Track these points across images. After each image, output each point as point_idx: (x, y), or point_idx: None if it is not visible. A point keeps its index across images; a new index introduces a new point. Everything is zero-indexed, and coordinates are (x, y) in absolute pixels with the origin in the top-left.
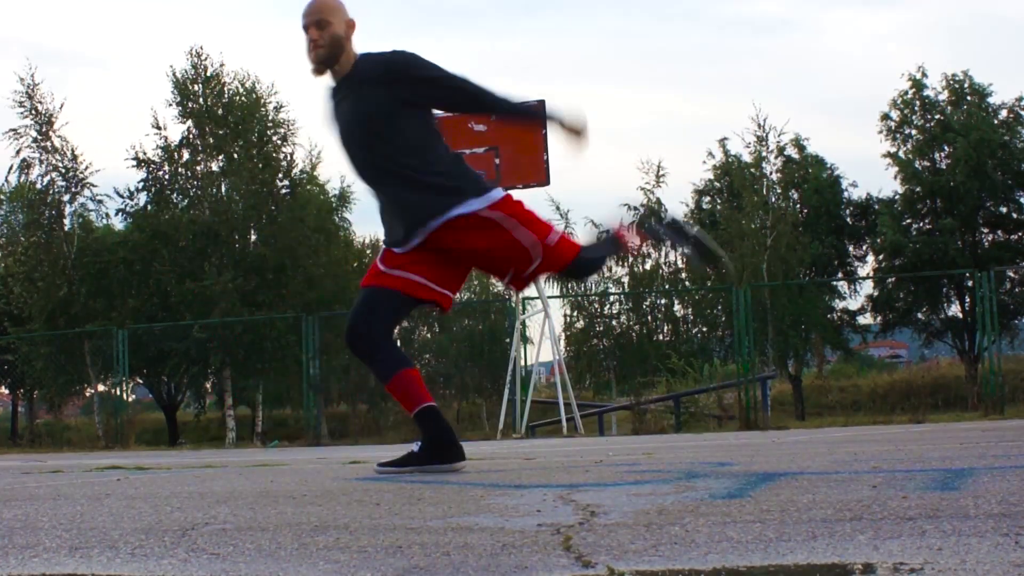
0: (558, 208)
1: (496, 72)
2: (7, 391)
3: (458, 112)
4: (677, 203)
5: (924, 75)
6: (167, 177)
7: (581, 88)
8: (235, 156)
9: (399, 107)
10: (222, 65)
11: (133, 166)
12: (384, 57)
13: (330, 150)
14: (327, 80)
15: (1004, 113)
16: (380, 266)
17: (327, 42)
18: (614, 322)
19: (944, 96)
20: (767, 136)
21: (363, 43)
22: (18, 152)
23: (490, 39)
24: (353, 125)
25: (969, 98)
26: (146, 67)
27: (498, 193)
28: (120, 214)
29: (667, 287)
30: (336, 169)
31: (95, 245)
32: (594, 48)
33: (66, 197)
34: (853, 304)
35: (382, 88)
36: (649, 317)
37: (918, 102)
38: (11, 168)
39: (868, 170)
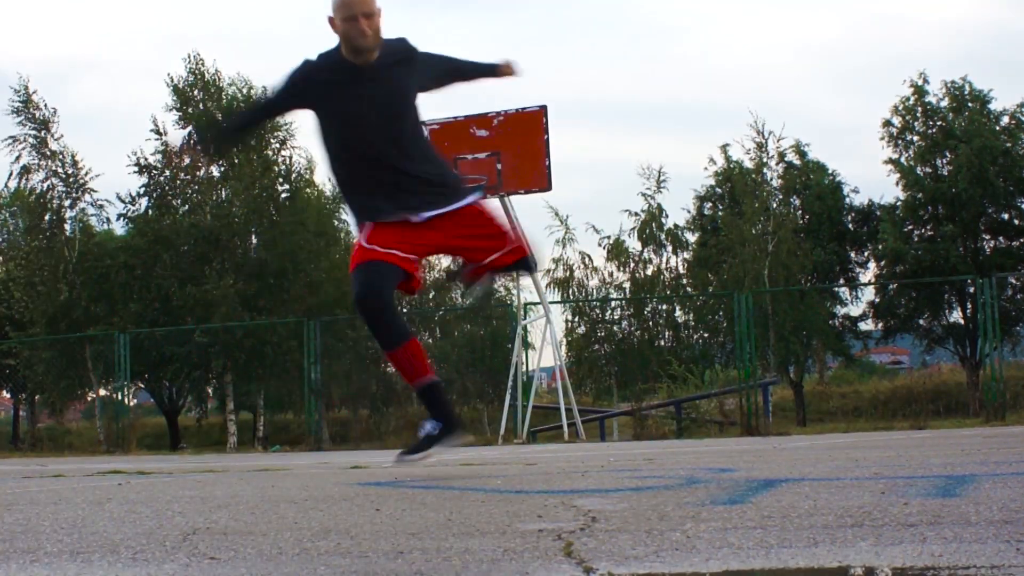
0: (557, 214)
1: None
2: (9, 395)
3: (443, 86)
4: (678, 208)
5: (925, 81)
6: (168, 182)
7: (576, 80)
8: (235, 160)
9: (416, 91)
10: (217, 72)
11: (134, 171)
12: (402, 43)
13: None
14: (334, 65)
15: (1006, 120)
16: (370, 245)
17: (375, 32)
18: (615, 328)
19: (945, 103)
20: (767, 142)
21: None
22: (18, 158)
23: (480, 23)
24: (387, 105)
25: (970, 104)
26: (148, 70)
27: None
28: (121, 219)
29: (668, 293)
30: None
31: (96, 250)
32: (590, 41)
33: (67, 202)
34: (855, 310)
35: (408, 70)
36: (650, 323)
37: (920, 108)
38: (11, 174)
39: (870, 176)
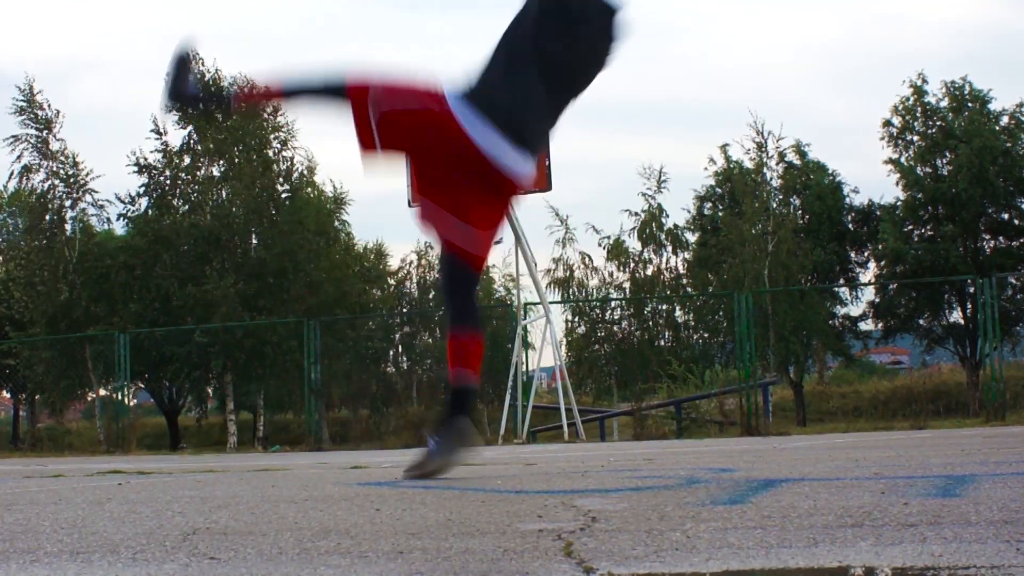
0: (557, 214)
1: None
2: (9, 395)
3: None
4: (678, 208)
5: (924, 81)
6: (168, 182)
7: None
8: (235, 160)
9: None
10: (218, 71)
11: (134, 171)
12: None
13: (325, 156)
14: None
15: (1005, 120)
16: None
17: None
18: (615, 328)
19: (945, 103)
20: (767, 142)
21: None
22: (19, 158)
23: (480, 23)
24: None
25: (970, 104)
26: (148, 70)
27: None
28: (121, 219)
29: (668, 293)
30: (331, 174)
31: (96, 250)
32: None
33: (67, 203)
34: (855, 310)
35: None
36: (650, 323)
37: (919, 108)
38: (12, 174)
39: (870, 176)
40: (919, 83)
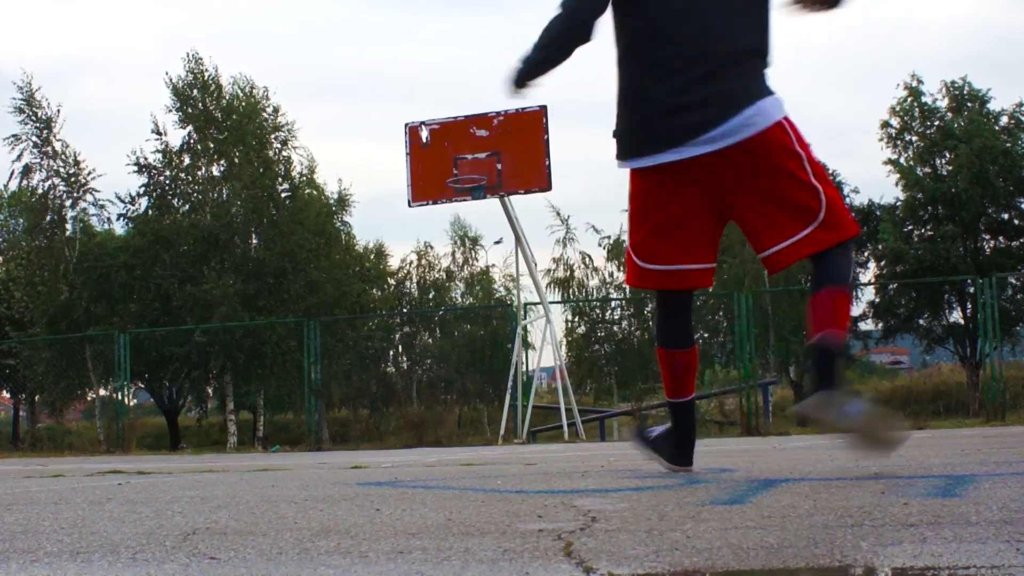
0: (558, 214)
1: (492, 57)
2: (9, 395)
3: None
4: None
5: (919, 82)
6: (168, 182)
7: (576, 80)
8: (235, 160)
9: None
10: (216, 69)
11: (135, 171)
12: None
13: (326, 156)
14: None
15: (1005, 120)
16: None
17: None
18: (615, 327)
19: (944, 103)
20: None
21: (352, 24)
22: (19, 157)
23: (480, 23)
24: None
25: (969, 104)
26: (148, 70)
27: None
28: (122, 219)
29: None
30: (333, 174)
31: (97, 250)
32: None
33: (68, 202)
34: (854, 310)
35: None
36: (650, 323)
37: (917, 109)
38: (12, 173)
39: (870, 176)
40: (914, 84)
